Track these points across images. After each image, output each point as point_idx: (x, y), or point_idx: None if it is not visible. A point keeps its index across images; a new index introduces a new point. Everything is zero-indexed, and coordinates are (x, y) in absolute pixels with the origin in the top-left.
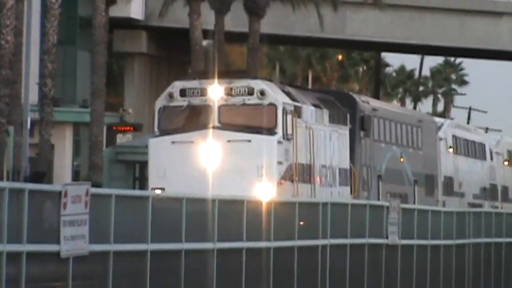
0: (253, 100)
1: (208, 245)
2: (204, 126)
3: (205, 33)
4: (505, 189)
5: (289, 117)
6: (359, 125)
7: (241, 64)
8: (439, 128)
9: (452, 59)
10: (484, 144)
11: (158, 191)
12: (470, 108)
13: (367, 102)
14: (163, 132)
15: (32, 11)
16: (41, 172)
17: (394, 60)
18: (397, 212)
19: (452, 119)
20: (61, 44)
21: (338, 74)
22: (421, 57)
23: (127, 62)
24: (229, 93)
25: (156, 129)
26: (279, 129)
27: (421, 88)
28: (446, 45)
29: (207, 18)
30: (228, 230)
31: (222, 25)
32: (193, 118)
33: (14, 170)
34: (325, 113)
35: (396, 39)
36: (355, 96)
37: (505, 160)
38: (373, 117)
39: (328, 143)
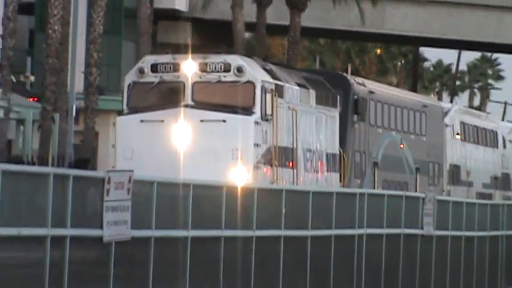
0: (229, 77)
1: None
2: (175, 105)
3: (247, 26)
4: None
5: (268, 96)
6: (352, 108)
7: (281, 57)
8: (446, 113)
9: (489, 54)
10: (496, 132)
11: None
12: (505, 103)
13: (362, 84)
14: (133, 110)
15: (79, 2)
16: (85, 159)
17: (431, 55)
18: (433, 203)
19: (488, 113)
20: (106, 34)
21: (376, 68)
22: (458, 52)
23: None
24: (204, 69)
25: (124, 107)
26: (257, 109)
27: (457, 82)
28: (483, 40)
29: (249, 11)
30: (266, 219)
31: (264, 18)
32: (165, 95)
33: (59, 157)
34: (312, 93)
35: (434, 34)
36: (348, 77)
37: None
38: (369, 100)
39: (314, 125)
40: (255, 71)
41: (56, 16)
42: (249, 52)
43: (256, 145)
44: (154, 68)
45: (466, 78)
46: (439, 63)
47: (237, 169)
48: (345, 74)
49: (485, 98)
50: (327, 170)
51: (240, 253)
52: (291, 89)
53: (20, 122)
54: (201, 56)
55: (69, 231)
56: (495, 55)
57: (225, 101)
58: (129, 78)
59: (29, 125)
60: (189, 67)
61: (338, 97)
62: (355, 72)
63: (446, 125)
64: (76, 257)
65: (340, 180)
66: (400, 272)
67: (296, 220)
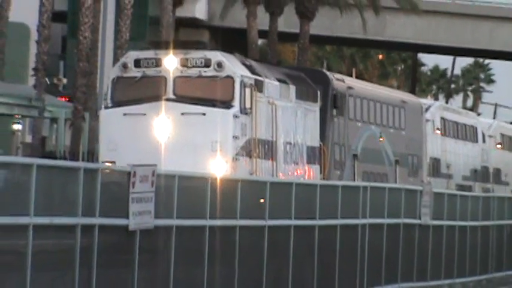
0: (209, 72)
1: (260, 222)
2: (157, 98)
3: (261, 33)
4: (497, 171)
5: (247, 90)
6: (331, 103)
7: (292, 62)
8: (427, 109)
9: (481, 60)
10: (476, 127)
11: (109, 164)
12: (496, 105)
13: (342, 80)
14: (116, 103)
15: (108, 11)
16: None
17: (429, 60)
18: (430, 195)
19: (479, 114)
20: (132, 40)
21: (378, 72)
22: (453, 58)
23: None
24: (185, 64)
25: (108, 101)
26: (236, 103)
27: (452, 86)
28: (476, 47)
29: (263, 19)
30: (277, 209)
31: (276, 26)
32: (147, 89)
33: (88, 152)
34: (292, 88)
35: (431, 41)
36: (328, 73)
37: (498, 143)
38: (348, 95)
39: (294, 119)
40: (234, 66)
41: (87, 24)
42: (262, 57)
43: (235, 137)
44: (137, 63)
45: (460, 81)
46: (436, 68)
47: (216, 161)
48: (324, 71)
49: (477, 99)
50: (307, 162)
51: (253, 241)
52: (271, 84)
53: (53, 120)
54: (183, 51)
55: (97, 220)
56: (487, 61)
57: (205, 95)
58: (113, 73)
59: (62, 123)
60: (171, 62)
61: (318, 92)
62: (359, 76)
63: (427, 120)
64: (104, 244)
65: (321, 172)
66: (400, 258)
67: (305, 211)
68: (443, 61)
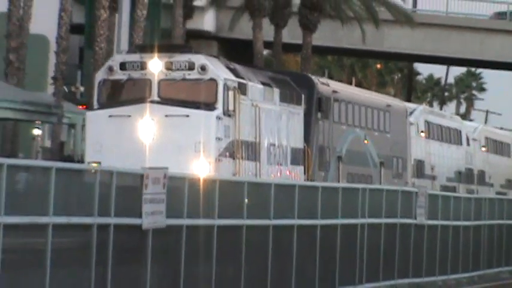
0: (193, 75)
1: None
2: (142, 100)
3: (266, 44)
4: (481, 173)
5: (231, 93)
6: (316, 106)
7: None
8: (411, 113)
9: (473, 69)
10: (460, 131)
11: (94, 165)
12: (487, 111)
13: (326, 84)
14: (102, 105)
15: (122, 23)
16: None
17: (424, 70)
18: (425, 196)
19: (471, 120)
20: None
21: (377, 81)
22: (446, 68)
23: None
24: (169, 67)
25: (95, 103)
26: (219, 105)
27: (446, 93)
28: (468, 57)
29: (268, 31)
30: (282, 209)
31: (280, 37)
32: (133, 92)
33: None
34: (276, 92)
35: (426, 52)
36: (313, 77)
37: (483, 146)
38: (333, 99)
39: (277, 121)
40: (217, 70)
41: (102, 36)
42: (267, 66)
43: (218, 139)
44: (122, 66)
45: (454, 89)
46: (430, 76)
47: (199, 161)
48: (309, 75)
49: (470, 107)
50: (291, 163)
51: (259, 239)
52: (255, 87)
53: (71, 126)
54: (167, 55)
55: (112, 220)
56: (479, 70)
57: (189, 97)
58: (100, 75)
59: (79, 129)
60: (156, 65)
61: (303, 95)
62: (358, 84)
63: (411, 123)
64: (118, 242)
65: (304, 173)
66: (396, 256)
67: (307, 211)
68: (438, 70)
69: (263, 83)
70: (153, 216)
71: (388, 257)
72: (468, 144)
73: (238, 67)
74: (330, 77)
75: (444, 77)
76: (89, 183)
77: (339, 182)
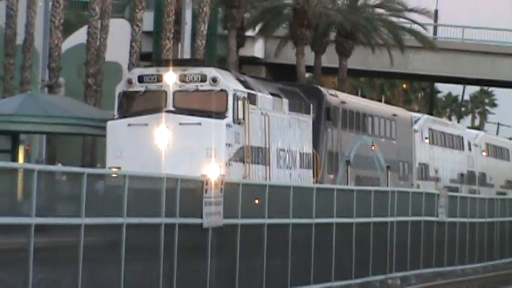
0: (205, 86)
1: (309, 221)
2: (158, 110)
3: (307, 68)
4: (482, 175)
5: (240, 103)
6: (325, 115)
7: None
8: (416, 121)
9: (485, 87)
10: (462, 137)
11: (115, 169)
12: (498, 124)
13: (335, 96)
14: (122, 115)
15: (184, 51)
16: None
17: (443, 88)
18: (445, 197)
19: (485, 131)
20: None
21: (403, 98)
22: (463, 87)
23: None
24: (183, 79)
25: (115, 113)
26: (229, 114)
27: (463, 109)
28: (481, 77)
29: (309, 57)
30: (323, 209)
31: (319, 62)
32: (150, 102)
33: None
34: (285, 102)
35: (445, 73)
36: (322, 89)
37: (483, 151)
38: (341, 108)
39: (286, 129)
40: (228, 81)
41: None
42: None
43: (228, 145)
44: (140, 79)
45: (469, 105)
46: (449, 94)
47: (211, 166)
48: (319, 87)
49: (483, 120)
50: (300, 167)
51: (302, 236)
52: (264, 97)
53: None
54: (181, 68)
55: (177, 220)
56: (490, 88)
57: (202, 107)
58: (120, 88)
59: None
60: (171, 78)
61: (311, 105)
62: (387, 102)
63: (416, 131)
64: (182, 240)
65: (314, 176)
66: (421, 249)
67: (344, 211)
68: (455, 89)
69: (272, 94)
70: (212, 216)
71: (414, 249)
72: (470, 149)
73: (249, 79)
74: (363, 96)
75: (461, 95)
76: (157, 188)
77: (347, 184)
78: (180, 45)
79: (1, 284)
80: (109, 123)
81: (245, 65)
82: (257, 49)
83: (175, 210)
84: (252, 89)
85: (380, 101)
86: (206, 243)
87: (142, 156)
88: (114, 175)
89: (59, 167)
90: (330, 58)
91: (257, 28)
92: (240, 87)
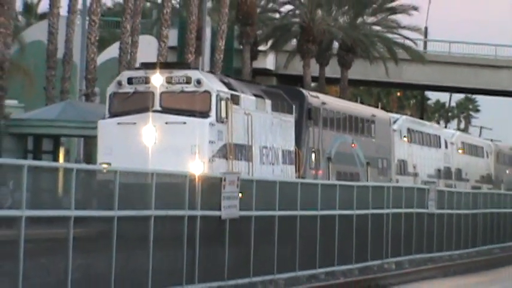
0: (190, 88)
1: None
2: (146, 110)
3: (313, 78)
4: (458, 171)
5: (223, 103)
6: (306, 115)
7: None
8: (395, 122)
9: (469, 95)
10: (439, 136)
11: (105, 165)
12: (481, 127)
13: (316, 97)
14: (112, 115)
15: (205, 65)
16: None
17: (432, 96)
18: (434, 192)
19: (469, 133)
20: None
21: (397, 105)
22: (450, 94)
23: None
24: (169, 81)
25: (106, 112)
26: (213, 113)
27: (449, 114)
28: (466, 86)
29: (314, 68)
30: (327, 203)
31: (323, 73)
32: (138, 103)
33: None
34: (268, 102)
35: (434, 82)
36: (304, 91)
37: (459, 149)
38: (322, 109)
39: (269, 127)
40: (211, 83)
41: None
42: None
43: (211, 142)
44: (130, 80)
45: (455, 111)
46: (437, 101)
47: (195, 162)
48: (301, 89)
49: (467, 124)
50: (283, 163)
51: (309, 226)
52: (247, 98)
53: None
54: (168, 71)
55: (199, 212)
56: (474, 96)
57: (187, 107)
58: (110, 89)
59: None
60: (158, 80)
61: (293, 106)
62: (383, 108)
63: (394, 130)
64: (203, 229)
65: (296, 172)
66: (414, 237)
67: (345, 204)
68: (443, 96)
69: (256, 95)
70: (229, 209)
71: (407, 238)
72: (446, 147)
73: (233, 81)
74: (362, 103)
75: (448, 102)
76: (181, 185)
77: (329, 179)
78: (200, 58)
79: (44, 270)
80: (100, 122)
81: (258, 76)
82: (269, 62)
83: (196, 204)
84: (236, 90)
85: (377, 107)
86: (224, 233)
87: (131, 153)
88: (104, 171)
89: (95, 166)
90: (332, 69)
91: (269, 43)
92: (224, 88)
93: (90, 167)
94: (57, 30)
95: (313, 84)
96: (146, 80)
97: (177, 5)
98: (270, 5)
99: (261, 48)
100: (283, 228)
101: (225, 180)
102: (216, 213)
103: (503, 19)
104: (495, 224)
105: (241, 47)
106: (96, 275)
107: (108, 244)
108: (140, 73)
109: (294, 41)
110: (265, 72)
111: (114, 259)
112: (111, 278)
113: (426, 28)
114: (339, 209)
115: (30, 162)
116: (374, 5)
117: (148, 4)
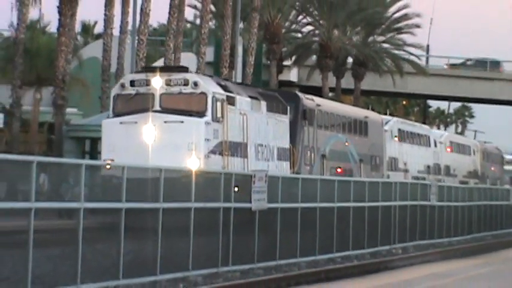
0: (188, 90)
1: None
2: (146, 110)
3: (330, 89)
4: (447, 167)
5: (219, 104)
6: (301, 116)
7: None
8: (386, 123)
9: (466, 103)
10: (429, 136)
11: (109, 161)
12: (475, 131)
13: (311, 100)
14: (116, 115)
15: (237, 77)
16: None
17: (434, 104)
18: (436, 187)
19: (465, 136)
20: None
21: (403, 112)
22: (448, 103)
23: None
24: (168, 83)
25: (110, 113)
26: (209, 113)
27: (448, 119)
28: (462, 96)
29: (331, 80)
30: (343, 196)
31: (340, 84)
32: (139, 103)
33: None
34: (263, 103)
35: (435, 92)
36: (300, 94)
37: (448, 147)
38: (317, 110)
39: (265, 126)
40: (208, 85)
41: None
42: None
43: (207, 140)
44: (132, 83)
45: (453, 117)
46: (438, 109)
47: (192, 158)
48: (297, 92)
49: (464, 128)
50: (278, 159)
51: (327, 216)
52: (243, 99)
53: None
54: (167, 74)
55: (232, 204)
56: (469, 104)
57: (184, 107)
58: (114, 91)
59: None
60: (158, 82)
61: (288, 107)
62: (391, 114)
63: (386, 130)
64: (236, 219)
65: (291, 168)
66: (418, 227)
67: (359, 197)
68: (442, 104)
69: (251, 97)
70: (258, 201)
71: (412, 226)
72: (435, 145)
73: (230, 84)
74: (373, 110)
75: (447, 109)
76: (217, 178)
77: (323, 174)
78: (233, 72)
79: (100, 254)
80: (104, 122)
81: (283, 87)
82: (292, 75)
83: (230, 197)
84: (231, 92)
85: (386, 114)
86: (254, 223)
87: (132, 150)
88: (108, 166)
89: (144, 164)
90: (347, 81)
91: (292, 59)
92: (220, 90)
93: (139, 165)
94: (110, 48)
95: (330, 94)
96: (147, 83)
97: (213, 26)
98: (293, 26)
99: (286, 63)
100: (304, 218)
101: (254, 177)
102: (247, 205)
103: (495, 37)
104: (488, 214)
105: (268, 62)
106: (144, 258)
107: (154, 232)
108: (142, 76)
109: (314, 57)
110: (289, 84)
111: (159, 245)
112: (157, 260)
113: (428, 45)
114: (353, 202)
115: (87, 161)
116: (383, 26)
117: (188, 25)
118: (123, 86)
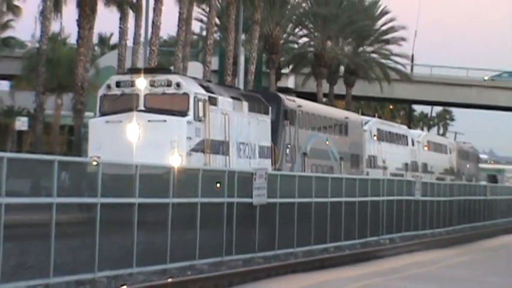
0: (171, 90)
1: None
2: (131, 109)
3: (324, 95)
4: (424, 164)
5: (201, 104)
6: (283, 116)
7: None
8: (366, 123)
9: (447, 108)
10: (407, 135)
11: (95, 158)
12: (456, 133)
13: (293, 101)
14: (102, 114)
15: (240, 83)
16: None
17: (418, 108)
18: (419, 183)
19: (447, 137)
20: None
21: (390, 115)
22: (431, 107)
23: None
24: (152, 84)
25: (97, 112)
26: (191, 113)
27: (431, 122)
28: (444, 101)
29: (325, 87)
30: (345, 190)
31: (332, 91)
32: (125, 103)
33: None
34: (245, 104)
35: (419, 98)
36: (281, 95)
37: (425, 146)
38: (298, 111)
39: (246, 126)
40: (190, 86)
41: None
42: None
43: (189, 138)
44: (118, 84)
45: (436, 120)
46: (422, 113)
47: (174, 155)
48: (278, 93)
49: (445, 130)
50: (260, 157)
51: (321, 210)
52: (225, 99)
53: None
54: (151, 75)
55: (235, 199)
56: (450, 108)
57: (167, 107)
58: (101, 92)
59: None
60: (142, 83)
61: (270, 107)
62: (379, 117)
63: (365, 130)
64: (239, 213)
65: (272, 165)
66: (403, 220)
67: (350, 193)
68: (426, 109)
69: (233, 97)
70: (259, 197)
71: (398, 219)
72: (413, 144)
73: (212, 85)
74: (363, 114)
75: (430, 113)
76: (222, 178)
77: (304, 171)
78: (236, 79)
79: (116, 244)
80: (90, 121)
81: (281, 93)
82: (290, 82)
83: (233, 192)
84: (213, 93)
85: (374, 116)
86: (255, 216)
87: (117, 148)
88: (94, 163)
89: (156, 163)
90: (339, 88)
91: (290, 67)
92: (202, 91)
93: (150, 164)
94: (124, 58)
95: (324, 99)
96: (132, 84)
97: (218, 38)
98: (291, 37)
99: (284, 71)
100: (301, 212)
101: (255, 174)
102: (248, 200)
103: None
104: (466, 208)
105: (268, 70)
106: (155, 248)
107: (165, 225)
108: (127, 77)
109: (309, 66)
110: (286, 90)
111: (169, 236)
112: (167, 250)
113: (413, 55)
114: (344, 197)
115: (104, 161)
116: (372, 38)
117: (195, 37)
118: (109, 87)
